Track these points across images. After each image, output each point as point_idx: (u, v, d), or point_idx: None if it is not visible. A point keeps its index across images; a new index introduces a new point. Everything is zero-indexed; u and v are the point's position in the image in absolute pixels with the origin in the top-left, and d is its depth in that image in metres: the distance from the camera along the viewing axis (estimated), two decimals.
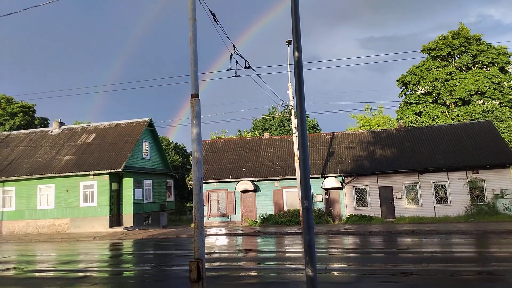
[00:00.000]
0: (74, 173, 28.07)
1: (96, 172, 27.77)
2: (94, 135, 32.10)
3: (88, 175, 28.02)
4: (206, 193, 28.66)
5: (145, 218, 30.28)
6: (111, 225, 27.47)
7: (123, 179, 28.99)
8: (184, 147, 52.46)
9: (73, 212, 28.12)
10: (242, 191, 28.50)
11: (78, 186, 28.25)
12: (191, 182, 34.18)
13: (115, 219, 28.33)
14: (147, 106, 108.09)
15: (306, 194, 7.48)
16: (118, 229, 26.96)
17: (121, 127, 32.34)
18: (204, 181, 27.46)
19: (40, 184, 28.88)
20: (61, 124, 34.23)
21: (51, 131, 33.74)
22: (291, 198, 27.67)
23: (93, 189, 28.03)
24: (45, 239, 24.46)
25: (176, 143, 51.17)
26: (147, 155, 32.39)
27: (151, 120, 32.65)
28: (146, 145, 32.24)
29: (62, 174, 28.25)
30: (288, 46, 24.47)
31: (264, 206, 28.21)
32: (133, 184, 28.93)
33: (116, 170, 27.46)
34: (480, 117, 36.32)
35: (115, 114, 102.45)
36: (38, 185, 28.89)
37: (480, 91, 39.32)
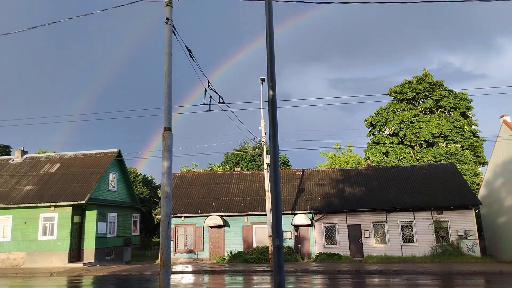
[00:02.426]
0: (34, 204, 26.72)
1: (58, 203, 26.55)
2: (58, 165, 30.97)
3: (49, 206, 26.73)
4: (173, 227, 27.85)
5: (107, 253, 28.92)
6: (70, 260, 26.01)
7: (87, 212, 27.83)
8: (153, 179, 51.37)
9: (30, 246, 26.52)
10: (211, 227, 27.91)
11: (38, 218, 26.81)
12: (158, 216, 33.22)
13: (75, 253, 26.90)
14: (116, 137, 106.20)
15: (277, 232, 7.39)
16: (78, 265, 25.56)
17: (88, 157, 31.42)
18: (172, 216, 26.74)
19: None
20: (24, 152, 32.89)
21: (13, 160, 32.31)
22: (261, 234, 27.30)
23: (53, 221, 26.67)
24: None
25: (145, 175, 50.07)
26: (114, 187, 31.40)
27: (119, 151, 31.94)
28: (113, 177, 31.31)
29: (21, 205, 26.81)
30: (262, 83, 24.93)
31: (233, 243, 27.64)
32: (96, 217, 27.79)
33: (79, 202, 26.37)
34: (443, 159, 37.71)
35: (83, 144, 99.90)
36: None
37: (443, 134, 41.05)
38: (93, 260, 26.75)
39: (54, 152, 38.07)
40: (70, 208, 26.63)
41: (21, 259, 26.43)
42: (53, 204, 26.64)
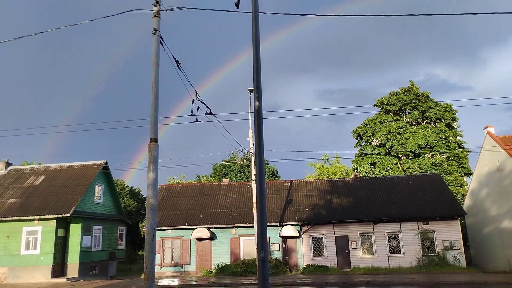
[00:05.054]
0: (17, 218, 26.13)
1: (42, 217, 26.02)
2: (43, 177, 30.45)
3: (33, 220, 26.18)
4: (160, 240, 27.49)
5: (92, 268, 28.34)
6: (54, 275, 25.41)
7: (71, 225, 27.32)
8: (140, 191, 50.78)
9: (12, 261, 25.85)
10: (198, 239, 27.62)
11: (21, 232, 26.21)
12: (144, 229, 32.79)
13: (59, 268, 26.30)
14: (104, 149, 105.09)
15: (262, 244, 7.36)
16: (61, 280, 24.99)
17: (74, 169, 30.97)
18: (158, 228, 26.42)
19: None
20: (8, 164, 32.27)
21: None
22: (249, 246, 27.09)
23: (37, 235, 26.10)
24: None
25: (132, 187, 49.49)
26: (99, 199, 30.94)
27: (106, 163, 31.55)
28: (99, 189, 30.86)
29: (3, 219, 26.19)
30: (250, 94, 25.03)
31: (220, 255, 27.37)
32: (81, 230, 27.29)
33: (64, 215, 25.89)
34: (429, 170, 38.11)
35: (70, 156, 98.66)
36: None
37: (429, 145, 41.57)
38: (77, 275, 26.19)
39: (40, 164, 37.44)
40: (55, 221, 26.12)
41: (3, 274, 25.74)
42: (37, 217, 26.10)
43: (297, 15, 11.20)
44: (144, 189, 51.93)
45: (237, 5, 10.84)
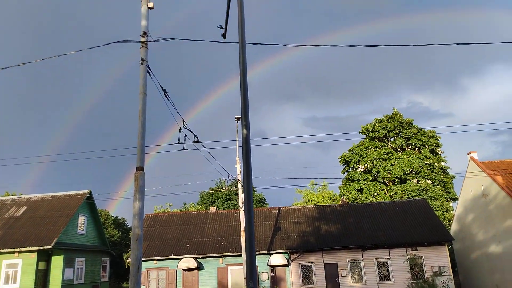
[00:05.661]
0: None
1: (23, 249, 25.17)
2: (24, 208, 29.63)
3: (13, 252, 25.30)
4: (145, 272, 26.72)
5: None
6: None
7: (53, 257, 26.44)
8: (125, 221, 49.77)
9: None
10: (185, 269, 26.95)
11: (0, 265, 25.27)
12: (129, 260, 31.89)
13: None
14: (88, 178, 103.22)
15: (251, 274, 7.21)
16: None
17: (56, 199, 30.26)
18: (143, 259, 25.73)
19: None
20: None
21: None
22: (236, 276, 26.52)
23: (17, 268, 25.16)
24: None
25: (116, 217, 48.49)
26: (83, 230, 30.13)
27: (90, 193, 30.94)
28: (82, 219, 30.10)
29: None
30: (237, 122, 25.13)
31: (208, 286, 26.68)
32: (63, 263, 26.41)
33: (45, 247, 25.09)
34: (415, 195, 38.35)
35: (54, 186, 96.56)
36: None
37: (414, 171, 42.01)
38: None
39: (22, 194, 36.51)
40: (35, 254, 25.29)
41: None
42: (17, 249, 25.25)
43: (280, 45, 11.45)
44: (128, 218, 50.97)
45: (224, 36, 11.10)
